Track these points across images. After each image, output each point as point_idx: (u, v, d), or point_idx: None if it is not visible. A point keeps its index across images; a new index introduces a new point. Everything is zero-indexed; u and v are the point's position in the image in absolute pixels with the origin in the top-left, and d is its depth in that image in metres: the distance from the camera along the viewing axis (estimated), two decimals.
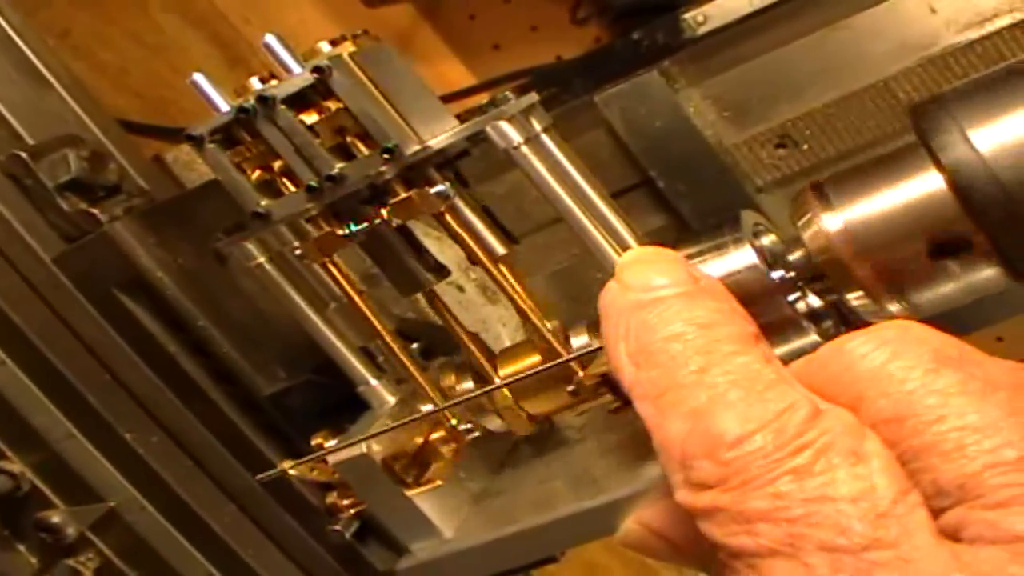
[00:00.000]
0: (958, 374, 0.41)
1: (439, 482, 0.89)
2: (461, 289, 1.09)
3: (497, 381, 0.84)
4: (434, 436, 0.89)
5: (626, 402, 0.74)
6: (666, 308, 0.46)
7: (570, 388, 0.82)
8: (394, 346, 0.85)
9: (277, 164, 0.80)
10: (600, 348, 0.78)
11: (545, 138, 0.76)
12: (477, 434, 0.89)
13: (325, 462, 0.88)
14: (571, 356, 0.80)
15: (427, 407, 0.87)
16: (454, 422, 0.89)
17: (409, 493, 0.89)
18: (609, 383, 0.81)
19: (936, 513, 0.39)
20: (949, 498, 0.39)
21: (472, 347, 0.85)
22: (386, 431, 0.86)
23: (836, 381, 0.43)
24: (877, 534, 0.38)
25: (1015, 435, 0.38)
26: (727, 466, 0.41)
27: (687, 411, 0.43)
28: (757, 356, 0.44)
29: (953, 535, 0.38)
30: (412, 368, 0.86)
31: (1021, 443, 0.38)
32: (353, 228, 0.81)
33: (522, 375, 0.83)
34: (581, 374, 0.81)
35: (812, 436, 0.40)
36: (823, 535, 0.38)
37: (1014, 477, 0.37)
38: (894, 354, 0.42)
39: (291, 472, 0.89)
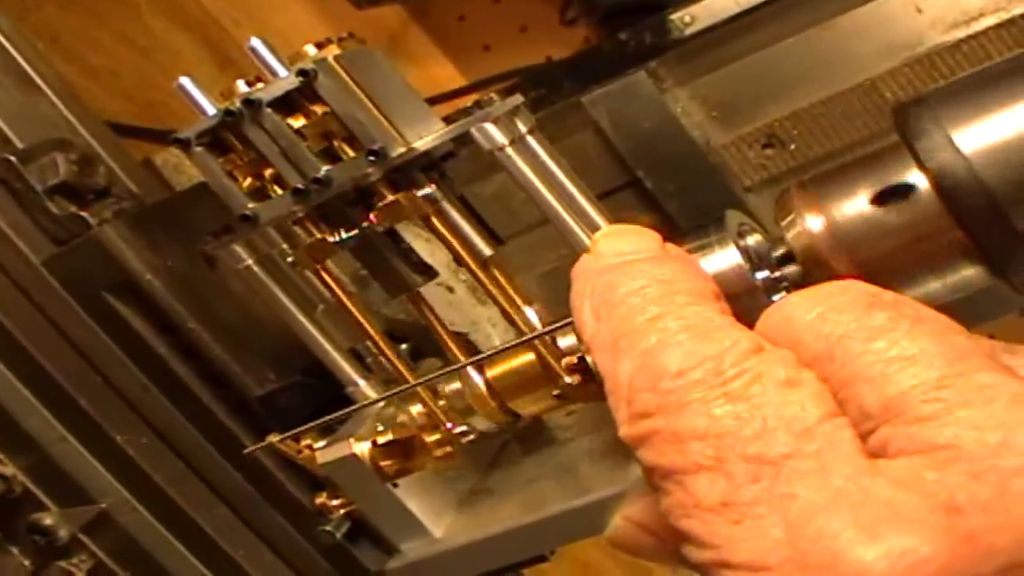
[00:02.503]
0: (890, 312, 0.42)
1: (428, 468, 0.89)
2: (451, 290, 1.09)
3: (472, 373, 0.85)
4: (429, 439, 0.89)
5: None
6: (632, 268, 0.47)
7: (555, 392, 0.82)
8: (383, 346, 0.85)
9: (268, 172, 0.80)
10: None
11: (530, 139, 0.76)
12: (473, 437, 0.89)
13: (311, 448, 0.88)
14: (542, 331, 0.80)
15: (416, 408, 0.87)
16: (448, 424, 0.89)
17: (396, 481, 0.89)
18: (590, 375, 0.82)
19: (864, 437, 0.40)
20: (874, 420, 0.39)
21: (454, 348, 0.86)
22: (366, 405, 0.86)
23: (776, 331, 0.44)
24: (799, 444, 0.38)
25: (939, 360, 0.39)
26: (667, 395, 0.42)
27: (637, 352, 0.44)
28: (712, 308, 0.45)
29: (879, 454, 0.39)
30: (403, 369, 0.86)
31: (944, 367, 0.39)
32: (344, 235, 0.81)
33: (490, 352, 0.83)
34: (568, 379, 0.81)
35: (750, 365, 0.41)
36: (748, 448, 0.39)
37: (935, 394, 0.38)
38: (830, 303, 0.43)
39: (276, 444, 0.89)
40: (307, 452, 0.89)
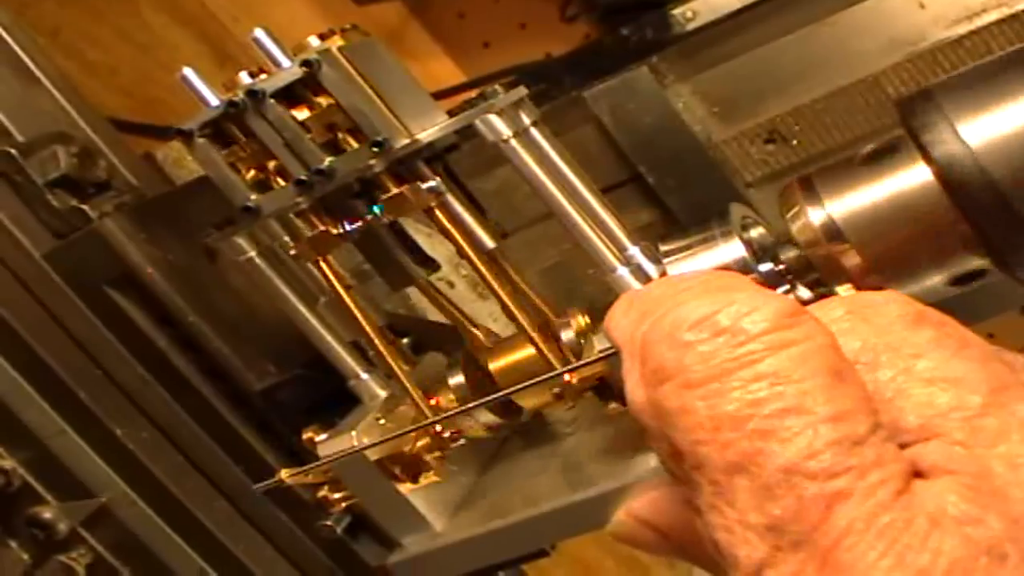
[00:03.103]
0: (936, 331, 0.41)
1: (436, 478, 0.89)
2: (451, 285, 1.09)
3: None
4: (419, 444, 0.89)
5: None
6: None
7: (555, 390, 0.82)
8: (378, 342, 0.85)
9: (271, 164, 0.80)
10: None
11: (534, 132, 0.76)
12: (462, 442, 0.89)
13: (312, 442, 0.88)
14: (566, 368, 0.80)
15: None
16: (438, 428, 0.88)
17: (404, 489, 0.88)
18: (598, 388, 0.81)
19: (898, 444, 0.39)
20: (909, 435, 0.38)
21: (470, 327, 0.86)
22: (379, 443, 0.86)
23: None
24: (847, 460, 0.36)
25: (984, 387, 0.38)
26: (687, 349, 0.39)
27: (658, 313, 0.41)
28: (749, 282, 0.43)
29: (918, 470, 0.38)
30: (396, 366, 0.85)
31: (987, 394, 0.38)
32: (347, 227, 0.81)
33: (519, 387, 0.83)
34: (569, 378, 0.81)
35: (793, 336, 0.38)
36: (791, 455, 0.37)
37: (977, 422, 0.37)
38: (877, 311, 0.42)
39: (288, 481, 0.89)
40: (315, 473, 0.89)
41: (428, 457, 0.88)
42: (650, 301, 0.43)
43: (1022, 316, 1.25)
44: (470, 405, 0.84)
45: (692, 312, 0.39)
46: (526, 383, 0.80)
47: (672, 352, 0.39)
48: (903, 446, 0.38)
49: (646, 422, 0.42)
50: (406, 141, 0.77)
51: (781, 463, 0.37)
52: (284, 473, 0.89)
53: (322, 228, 0.81)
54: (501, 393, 0.82)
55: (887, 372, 0.40)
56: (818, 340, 0.39)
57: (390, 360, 0.85)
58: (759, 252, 0.77)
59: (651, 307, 0.42)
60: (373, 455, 0.86)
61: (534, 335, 0.81)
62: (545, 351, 0.81)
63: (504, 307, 0.82)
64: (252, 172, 0.81)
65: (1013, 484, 0.36)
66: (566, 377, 0.80)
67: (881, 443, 0.37)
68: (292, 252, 0.83)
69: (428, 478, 0.88)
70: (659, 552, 0.52)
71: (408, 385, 0.85)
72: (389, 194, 0.78)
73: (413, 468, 0.89)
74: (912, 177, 0.69)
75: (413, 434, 0.86)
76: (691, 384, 0.38)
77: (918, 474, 0.38)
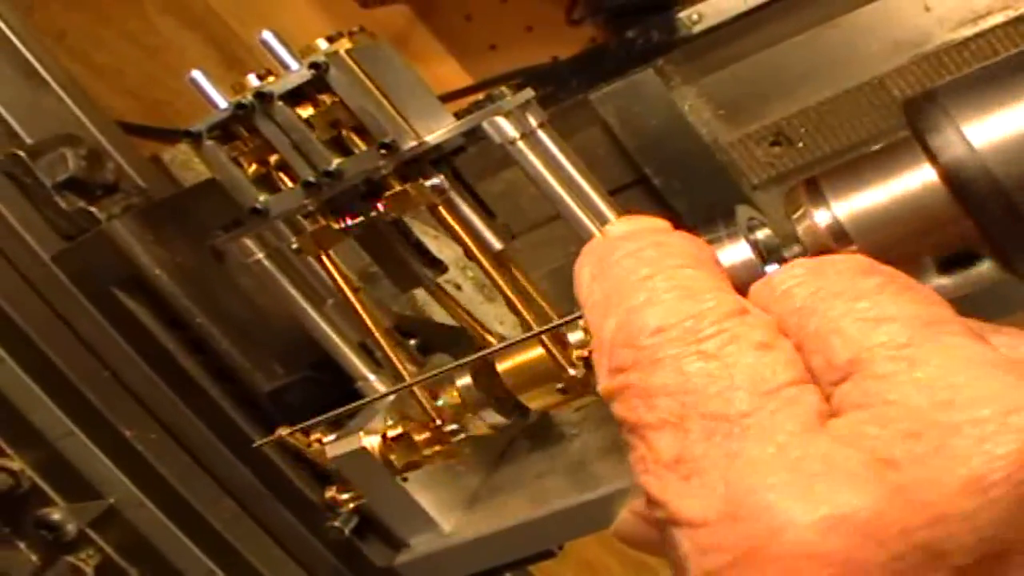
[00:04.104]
0: (881, 278, 0.42)
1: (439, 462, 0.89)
2: (458, 287, 1.09)
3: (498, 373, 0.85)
4: (419, 437, 0.89)
5: None
6: (633, 235, 0.48)
7: (559, 386, 0.83)
8: (384, 343, 0.85)
9: (273, 158, 0.80)
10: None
11: (541, 134, 0.77)
12: (463, 436, 0.89)
13: (321, 443, 0.88)
14: (553, 325, 0.80)
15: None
16: (438, 423, 0.89)
17: (409, 488, 0.89)
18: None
19: (828, 393, 0.40)
20: (838, 372, 0.40)
21: (478, 328, 0.86)
22: (349, 409, 0.86)
23: (771, 292, 0.45)
24: (759, 404, 0.39)
25: (916, 322, 0.39)
26: (642, 351, 0.42)
27: (623, 309, 0.44)
28: (707, 272, 0.45)
29: (836, 411, 0.39)
30: (400, 367, 0.86)
31: (918, 327, 0.39)
32: (349, 222, 0.81)
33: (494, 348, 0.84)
34: (573, 373, 0.81)
35: (729, 325, 0.41)
36: (709, 405, 0.39)
37: (899, 352, 0.38)
38: (831, 267, 0.44)
39: (286, 437, 0.89)
40: (316, 446, 0.89)
41: (427, 451, 0.89)
42: (614, 282, 0.46)
43: None
44: (449, 367, 0.85)
45: (651, 320, 0.42)
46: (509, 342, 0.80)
47: (631, 353, 0.42)
48: (834, 383, 0.40)
49: (610, 406, 0.44)
50: (414, 143, 0.77)
51: (700, 411, 0.39)
52: (283, 430, 0.89)
53: (324, 223, 0.81)
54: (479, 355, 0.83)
55: (828, 313, 0.41)
56: (749, 323, 0.42)
57: (395, 361, 0.85)
58: (765, 253, 0.77)
59: (615, 292, 0.45)
60: (378, 448, 0.87)
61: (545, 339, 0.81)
62: (554, 352, 0.81)
63: (511, 306, 0.82)
64: (254, 167, 0.81)
65: (923, 403, 0.37)
66: (571, 372, 0.81)
67: (799, 392, 0.40)
68: (294, 246, 0.83)
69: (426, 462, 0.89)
70: (662, 551, 0.52)
71: (409, 380, 0.86)
72: (393, 191, 0.79)
73: (419, 463, 0.90)
74: (917, 178, 0.69)
75: (417, 431, 0.87)
76: (638, 368, 0.42)
77: (836, 414, 0.39)
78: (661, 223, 0.50)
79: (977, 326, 0.43)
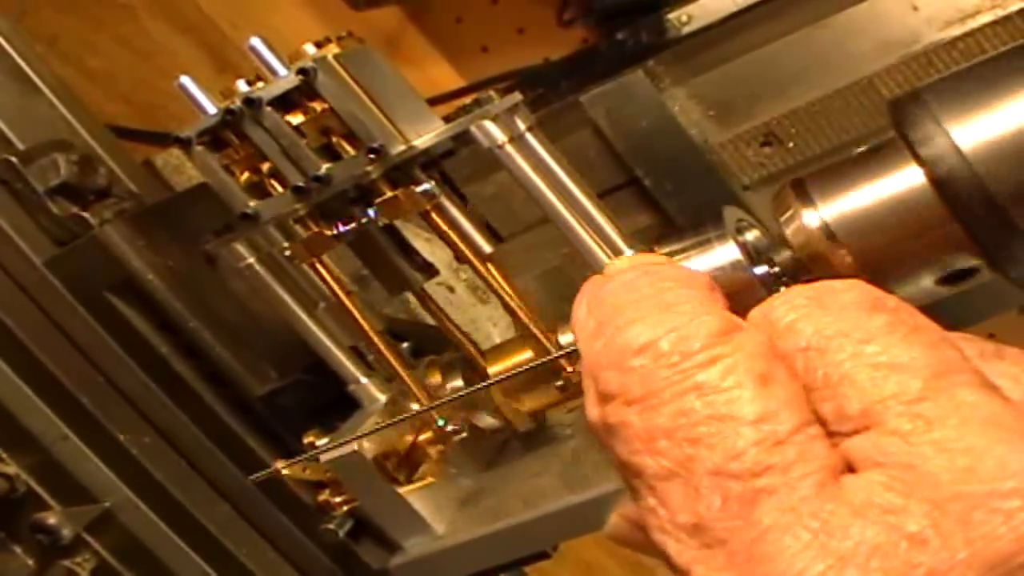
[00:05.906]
0: (890, 317, 0.41)
1: (431, 479, 0.89)
2: (451, 289, 1.10)
3: (490, 378, 0.85)
4: (421, 437, 0.89)
5: None
6: (629, 269, 0.48)
7: (558, 383, 0.83)
8: (380, 345, 0.86)
9: (266, 166, 0.81)
10: None
11: (529, 137, 0.77)
12: (464, 435, 0.89)
13: (317, 461, 0.89)
14: (561, 352, 0.81)
15: (415, 405, 0.88)
16: (440, 422, 0.89)
17: (402, 490, 0.89)
18: None
19: (836, 440, 0.40)
20: (851, 423, 0.39)
21: (466, 343, 0.86)
22: (377, 430, 0.86)
23: (775, 318, 0.44)
24: (769, 459, 0.38)
25: (926, 371, 0.39)
26: (631, 373, 0.41)
27: (610, 330, 0.44)
28: (699, 292, 0.45)
29: (849, 462, 0.39)
30: (399, 367, 0.86)
31: (929, 378, 0.38)
32: (341, 229, 0.82)
33: (516, 371, 0.84)
34: (570, 369, 0.82)
35: (723, 351, 0.40)
36: (717, 458, 0.39)
37: (913, 408, 0.38)
38: (834, 299, 0.43)
39: (284, 472, 0.90)
40: (312, 470, 0.89)
41: (430, 450, 0.89)
42: (606, 310, 0.45)
43: (1021, 316, 1.26)
44: (473, 389, 0.85)
45: (636, 338, 0.42)
46: (522, 367, 0.80)
47: (617, 376, 0.42)
48: (846, 434, 0.39)
49: (599, 436, 0.44)
50: (402, 147, 0.77)
51: (708, 466, 0.39)
52: (280, 464, 0.89)
53: (316, 230, 0.82)
54: (499, 378, 0.83)
55: (836, 357, 0.40)
56: (747, 350, 0.41)
57: (391, 359, 0.86)
58: (754, 255, 0.77)
59: (606, 318, 0.45)
60: (371, 452, 0.87)
61: (538, 333, 0.82)
62: (549, 347, 0.81)
63: (506, 306, 0.82)
64: (246, 175, 0.81)
65: (942, 469, 0.36)
66: (568, 369, 0.81)
67: (807, 440, 0.39)
68: (287, 253, 0.83)
69: (425, 481, 0.89)
70: (653, 554, 0.53)
71: (410, 382, 0.86)
72: (384, 197, 0.79)
73: (411, 467, 0.90)
74: (904, 179, 0.70)
75: (414, 427, 0.87)
76: (630, 402, 0.41)
77: (851, 468, 0.39)
78: (659, 257, 0.51)
79: (978, 350, 0.43)
